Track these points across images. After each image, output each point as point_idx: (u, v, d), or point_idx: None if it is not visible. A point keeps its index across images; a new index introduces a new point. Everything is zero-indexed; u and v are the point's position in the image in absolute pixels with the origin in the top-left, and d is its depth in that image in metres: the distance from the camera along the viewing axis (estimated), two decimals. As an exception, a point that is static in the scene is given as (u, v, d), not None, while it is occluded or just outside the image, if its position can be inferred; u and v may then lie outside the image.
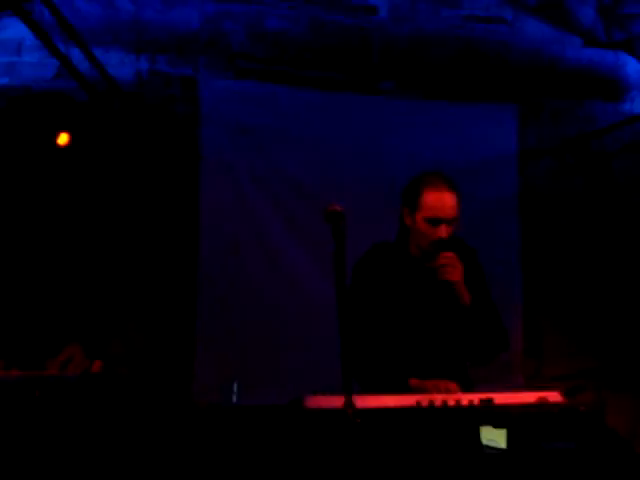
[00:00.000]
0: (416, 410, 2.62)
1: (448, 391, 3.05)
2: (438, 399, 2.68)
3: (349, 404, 2.39)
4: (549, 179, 5.80)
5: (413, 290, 3.41)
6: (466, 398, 2.71)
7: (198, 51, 5.28)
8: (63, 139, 4.51)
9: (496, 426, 2.66)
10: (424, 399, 2.66)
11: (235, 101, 5.23)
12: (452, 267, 3.27)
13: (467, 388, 3.30)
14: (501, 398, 2.75)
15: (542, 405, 2.78)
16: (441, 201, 3.31)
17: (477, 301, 3.34)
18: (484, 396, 2.72)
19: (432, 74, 5.62)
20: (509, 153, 5.67)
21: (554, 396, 2.91)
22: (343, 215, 2.65)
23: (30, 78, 5.00)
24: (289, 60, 5.42)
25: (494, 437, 2.69)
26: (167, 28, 5.18)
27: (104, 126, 5.03)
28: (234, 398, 4.00)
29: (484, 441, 2.65)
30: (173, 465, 3.10)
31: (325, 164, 5.30)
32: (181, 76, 5.30)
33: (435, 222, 3.30)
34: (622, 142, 5.87)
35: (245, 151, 5.22)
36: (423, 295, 3.41)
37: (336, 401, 2.48)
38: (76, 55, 4.48)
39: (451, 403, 2.66)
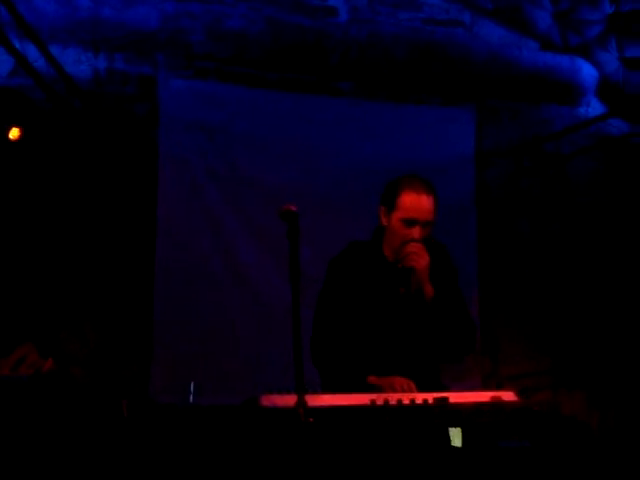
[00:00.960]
0: (370, 409, 2.63)
1: (403, 389, 3.06)
2: (393, 398, 2.69)
3: (301, 403, 2.40)
4: (505, 181, 5.86)
5: (382, 291, 3.42)
6: (421, 397, 2.72)
7: (157, 50, 5.25)
8: (14, 134, 4.44)
9: (450, 425, 2.68)
10: (379, 398, 2.67)
11: (194, 100, 5.22)
12: (417, 255, 3.29)
13: (435, 386, 3.31)
14: (455, 397, 2.77)
15: (496, 404, 2.80)
16: (418, 203, 3.32)
17: (443, 298, 3.36)
18: (438, 395, 2.74)
19: (390, 76, 5.64)
20: (467, 154, 5.73)
21: (508, 395, 2.94)
22: (297, 214, 2.67)
23: (-15, 74, 4.93)
24: (248, 60, 5.41)
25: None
26: (125, 26, 5.13)
27: (61, 124, 4.97)
28: (191, 398, 3.98)
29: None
30: (127, 466, 3.08)
31: (282, 164, 5.32)
32: (139, 75, 5.26)
33: (410, 223, 3.32)
34: (577, 145, 5.96)
35: (203, 150, 5.21)
36: (392, 296, 3.42)
37: (291, 400, 2.48)
38: (32, 52, 4.43)
39: (405, 402, 2.68)
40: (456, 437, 2.68)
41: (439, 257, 3.46)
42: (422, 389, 3.07)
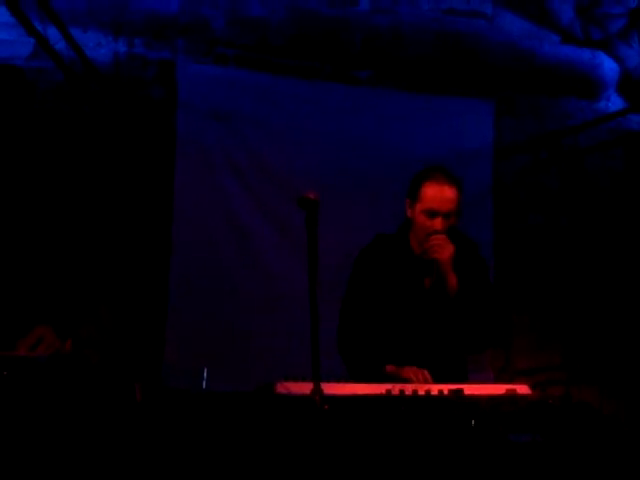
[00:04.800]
0: (386, 399, 2.63)
1: (419, 380, 3.07)
2: (408, 388, 2.69)
3: (317, 391, 2.40)
4: (523, 174, 5.84)
5: (409, 284, 3.44)
6: (436, 388, 2.73)
7: (176, 35, 5.24)
8: None
9: (465, 417, 2.68)
10: (394, 388, 2.68)
11: (212, 86, 5.21)
12: (440, 247, 3.31)
13: (460, 378, 3.34)
14: (471, 389, 2.77)
15: (511, 397, 2.80)
16: (439, 194, 3.35)
17: (468, 290, 3.36)
18: (454, 386, 2.74)
19: (411, 66, 5.62)
20: (485, 147, 5.70)
21: (523, 388, 2.95)
22: (317, 203, 2.66)
23: (5, 56, 4.93)
24: (269, 48, 5.40)
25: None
26: (146, 10, 5.13)
27: (80, 107, 4.98)
28: (204, 384, 4.00)
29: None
30: (139, 450, 3.08)
31: (301, 152, 5.30)
32: (159, 60, 5.26)
33: (432, 214, 3.35)
34: (596, 139, 5.92)
35: (221, 137, 5.20)
36: (418, 288, 3.44)
37: (306, 388, 2.48)
38: (53, 34, 4.43)
39: (421, 393, 2.68)
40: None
41: (468, 251, 3.47)
42: (447, 380, 3.07)
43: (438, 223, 3.34)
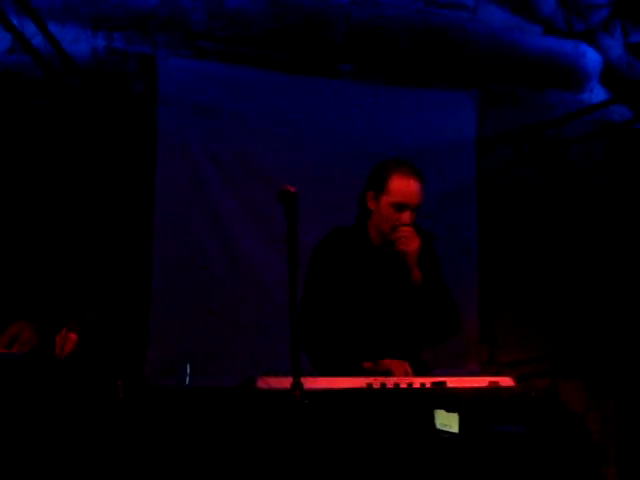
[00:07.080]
0: (367, 392, 2.62)
1: (400, 373, 3.07)
2: (390, 381, 2.67)
3: (297, 385, 2.39)
4: (506, 166, 5.82)
5: (370, 276, 3.44)
6: (418, 381, 2.71)
7: (156, 29, 5.18)
8: None
9: (448, 409, 2.67)
10: (376, 381, 2.66)
11: (193, 80, 5.16)
12: (408, 239, 3.33)
13: (421, 370, 3.33)
14: (453, 382, 2.76)
15: (493, 389, 2.80)
16: (408, 187, 3.38)
17: (429, 283, 3.40)
18: (436, 379, 2.73)
19: (393, 58, 5.59)
20: (468, 139, 5.69)
21: (506, 381, 2.94)
22: (296, 195, 2.64)
23: (-18, 52, 4.89)
24: (249, 40, 5.35)
25: (447, 421, 2.70)
26: (124, 4, 5.05)
27: (59, 102, 4.93)
28: (187, 380, 3.97)
29: (437, 425, 2.67)
30: (121, 449, 3.05)
31: (283, 146, 5.27)
32: (138, 54, 5.19)
33: (400, 208, 3.36)
34: (579, 131, 5.92)
35: (202, 130, 5.16)
36: (379, 280, 3.43)
37: (287, 382, 2.46)
38: (31, 30, 4.38)
39: (403, 385, 2.66)
40: (453, 422, 2.67)
41: (425, 243, 3.48)
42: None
43: (407, 216, 3.37)
